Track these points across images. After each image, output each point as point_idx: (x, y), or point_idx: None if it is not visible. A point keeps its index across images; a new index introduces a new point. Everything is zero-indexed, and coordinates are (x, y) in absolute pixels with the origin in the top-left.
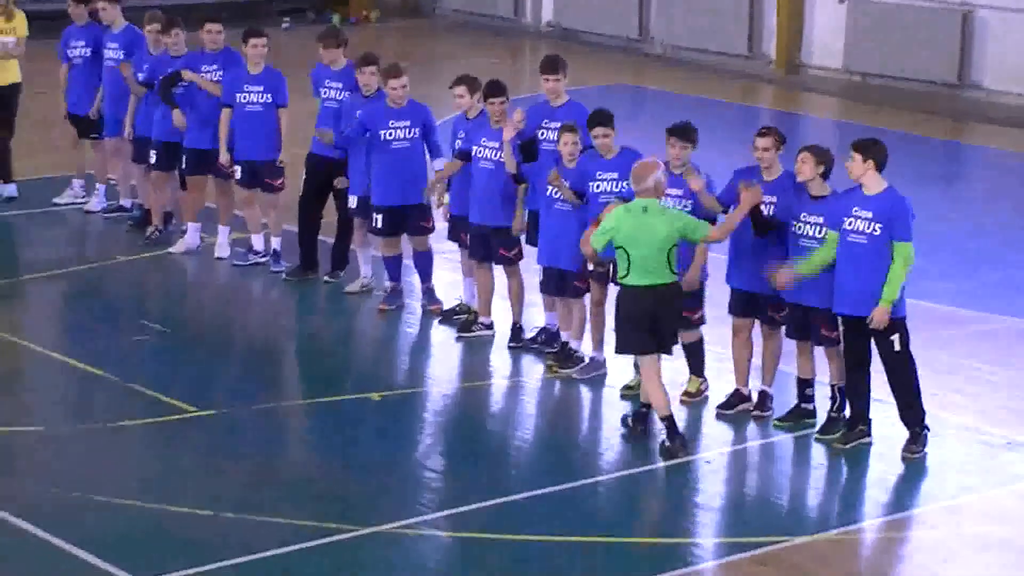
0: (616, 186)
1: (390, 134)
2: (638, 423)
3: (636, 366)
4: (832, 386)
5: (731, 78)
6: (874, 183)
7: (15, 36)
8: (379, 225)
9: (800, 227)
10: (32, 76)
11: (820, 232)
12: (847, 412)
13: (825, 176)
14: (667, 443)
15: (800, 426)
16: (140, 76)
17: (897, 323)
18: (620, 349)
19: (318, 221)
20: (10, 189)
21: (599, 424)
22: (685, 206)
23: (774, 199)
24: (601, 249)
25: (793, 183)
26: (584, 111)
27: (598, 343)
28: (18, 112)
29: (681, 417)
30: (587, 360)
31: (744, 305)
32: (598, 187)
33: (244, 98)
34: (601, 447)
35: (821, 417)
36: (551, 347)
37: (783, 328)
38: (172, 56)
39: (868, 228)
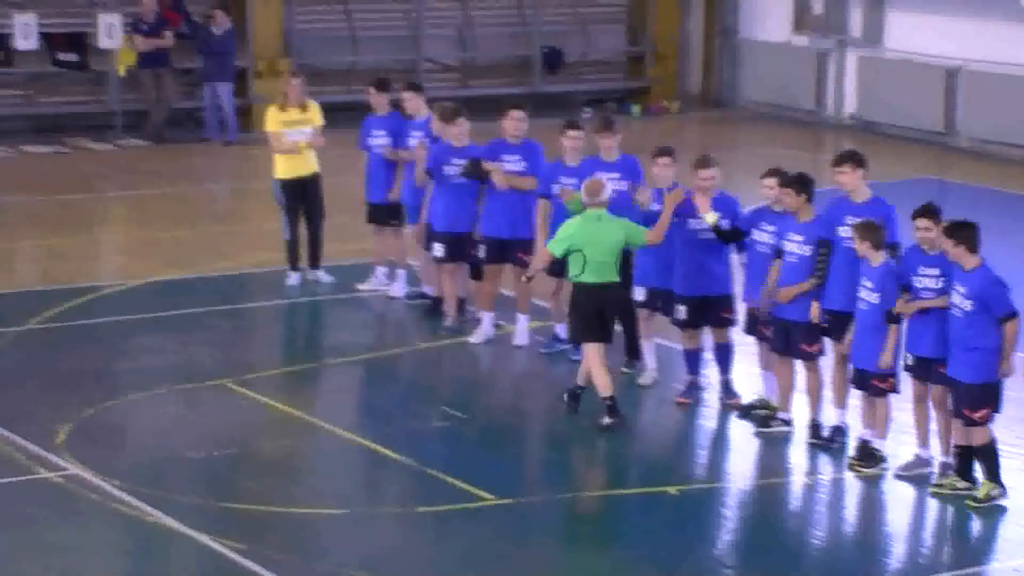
0: (937, 283)
1: (697, 223)
2: (572, 401)
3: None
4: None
5: None
6: None
7: (311, 127)
8: (682, 316)
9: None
10: (330, 164)
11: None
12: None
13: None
14: (607, 420)
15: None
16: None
17: None
18: (572, 338)
19: None
20: (322, 275)
21: (905, 526)
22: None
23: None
24: (561, 255)
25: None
26: (888, 209)
27: (923, 439)
28: (322, 199)
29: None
30: (913, 457)
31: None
32: (920, 283)
33: (556, 189)
34: (907, 550)
35: None
36: (844, 444)
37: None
38: (453, 146)
39: None
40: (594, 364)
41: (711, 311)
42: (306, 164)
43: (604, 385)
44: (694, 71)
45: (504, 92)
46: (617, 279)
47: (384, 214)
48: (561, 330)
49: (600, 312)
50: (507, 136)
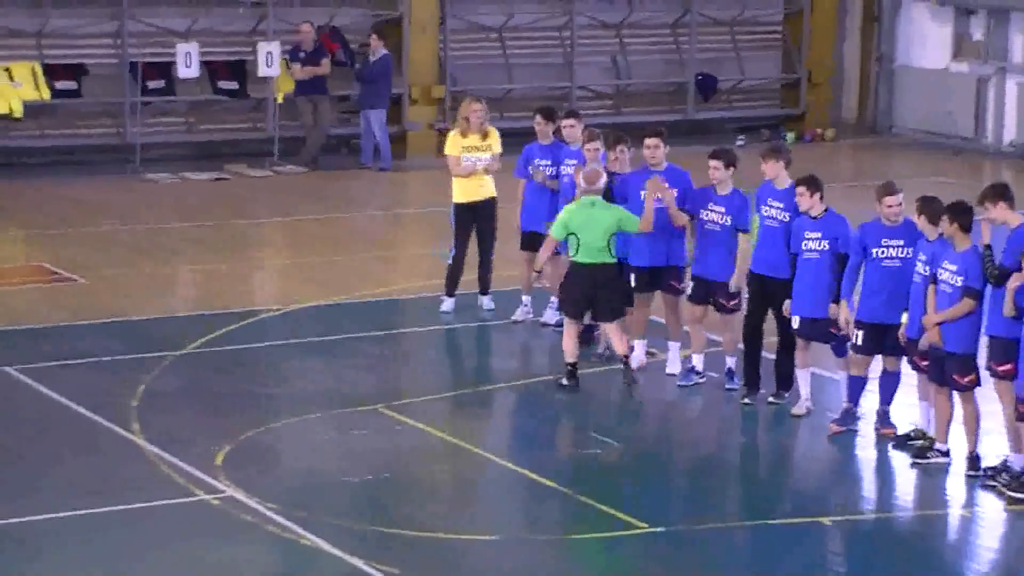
0: None
1: (882, 252)
2: (628, 373)
3: None
4: None
5: None
6: None
7: (491, 153)
8: (859, 342)
9: None
10: None
11: None
12: None
13: None
14: (565, 381)
15: None
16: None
17: None
18: (561, 309)
19: (761, 339)
20: (487, 301)
21: None
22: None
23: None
24: (561, 237)
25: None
26: None
27: None
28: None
29: None
30: None
31: None
32: None
33: (705, 216)
34: None
35: None
36: (1010, 478)
37: None
38: (614, 173)
39: None
40: (568, 334)
41: (889, 339)
42: (481, 189)
43: (570, 351)
44: (850, 98)
45: (657, 119)
46: (611, 260)
47: (540, 242)
48: (697, 360)
49: (591, 291)
50: (648, 164)
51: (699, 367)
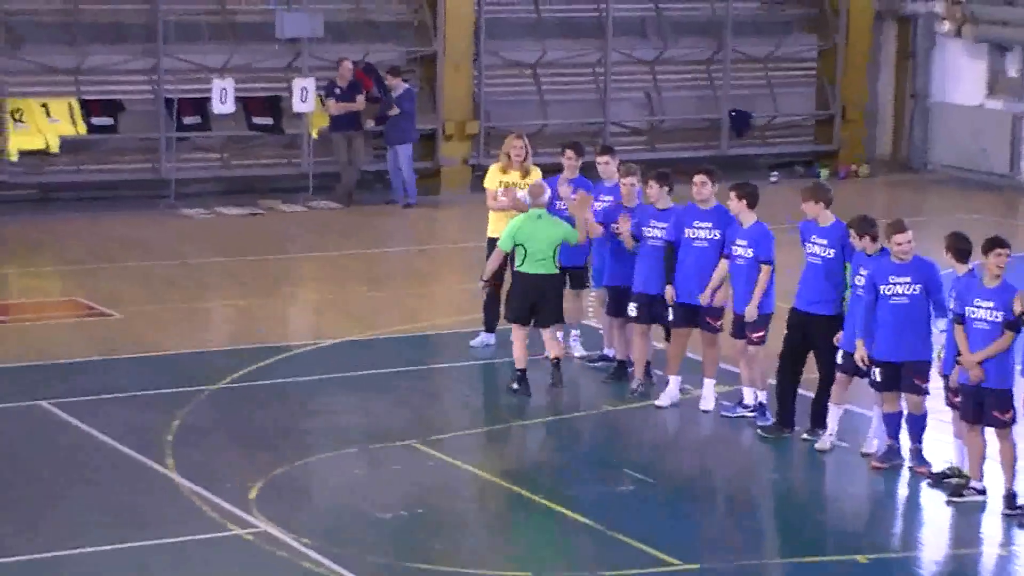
0: None
1: (889, 289)
2: (557, 374)
3: None
4: None
5: None
6: None
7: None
8: (877, 379)
9: None
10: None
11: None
12: None
13: None
14: (515, 386)
15: None
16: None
17: None
18: (508, 317)
19: (798, 377)
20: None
21: None
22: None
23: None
24: (508, 249)
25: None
26: None
27: None
28: None
29: None
30: None
31: None
32: None
33: (735, 250)
34: None
35: None
36: None
37: None
38: (657, 209)
39: None
40: (517, 341)
41: (905, 377)
42: None
43: (520, 358)
44: (884, 134)
45: (691, 155)
46: (555, 271)
47: (575, 278)
48: (748, 394)
49: (536, 299)
50: (696, 201)
51: (748, 400)
